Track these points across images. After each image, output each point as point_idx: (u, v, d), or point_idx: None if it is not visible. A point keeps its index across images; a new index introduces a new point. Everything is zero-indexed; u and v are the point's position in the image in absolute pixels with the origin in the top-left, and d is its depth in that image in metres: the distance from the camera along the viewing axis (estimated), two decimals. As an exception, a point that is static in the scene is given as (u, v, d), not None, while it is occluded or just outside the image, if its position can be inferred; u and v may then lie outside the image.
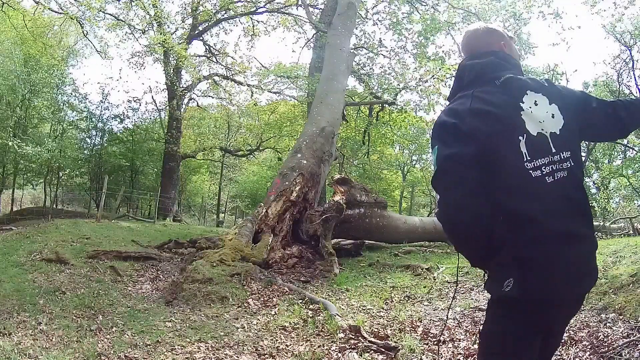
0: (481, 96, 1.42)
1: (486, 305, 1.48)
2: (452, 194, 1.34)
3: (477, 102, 1.40)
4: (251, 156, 22.24)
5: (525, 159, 1.33)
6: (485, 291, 1.48)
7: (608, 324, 3.24)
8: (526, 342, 1.35)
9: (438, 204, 1.39)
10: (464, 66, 1.56)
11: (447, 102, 1.58)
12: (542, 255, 1.27)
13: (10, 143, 13.86)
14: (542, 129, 1.38)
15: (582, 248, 1.34)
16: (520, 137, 1.35)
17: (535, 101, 1.40)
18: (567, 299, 1.35)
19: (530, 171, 1.32)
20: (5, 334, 3.19)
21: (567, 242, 1.29)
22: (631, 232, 10.41)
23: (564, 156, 1.36)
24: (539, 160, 1.33)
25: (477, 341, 1.49)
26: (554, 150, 1.36)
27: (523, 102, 1.40)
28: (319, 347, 3.34)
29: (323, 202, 9.74)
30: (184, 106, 18.58)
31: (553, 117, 1.40)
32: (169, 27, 15.61)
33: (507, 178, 1.33)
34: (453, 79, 1.59)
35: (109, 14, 14.64)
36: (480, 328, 1.50)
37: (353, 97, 14.15)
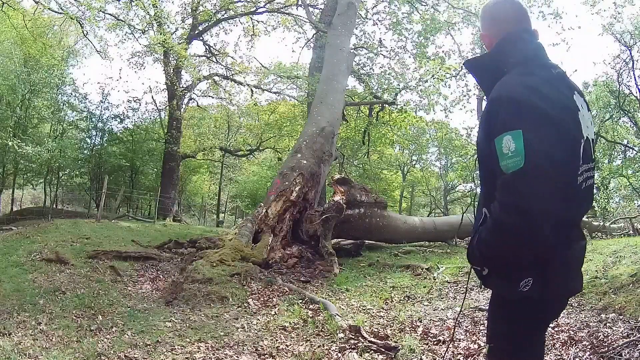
0: (559, 82, 1.33)
1: (490, 305, 1.43)
2: (528, 203, 1.17)
3: (559, 87, 1.31)
4: (251, 156, 22.24)
5: (580, 163, 1.28)
6: (489, 289, 1.42)
7: (608, 324, 3.24)
8: (537, 336, 1.42)
9: (515, 207, 1.15)
10: (530, 35, 1.41)
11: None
12: (559, 255, 1.29)
13: (10, 143, 13.87)
14: (588, 135, 1.33)
15: (581, 245, 1.41)
16: (582, 140, 1.30)
17: (582, 105, 1.35)
18: (571, 294, 1.44)
19: (584, 175, 1.31)
20: (5, 334, 3.19)
21: (575, 241, 1.37)
22: (631, 232, 10.40)
23: (592, 165, 1.36)
24: (583, 166, 1.29)
25: (485, 344, 1.42)
26: (590, 158, 1.34)
27: (576, 103, 1.33)
28: (319, 347, 3.34)
29: (323, 202, 9.74)
30: (184, 106, 18.58)
31: (592, 123, 1.38)
32: (169, 27, 15.62)
33: (573, 182, 1.28)
34: (514, 39, 1.40)
35: (109, 14, 14.64)
36: (487, 330, 1.45)
37: (353, 97, 14.15)
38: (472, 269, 1.46)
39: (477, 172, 1.57)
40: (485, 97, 1.54)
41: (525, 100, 1.19)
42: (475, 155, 1.58)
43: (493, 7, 1.49)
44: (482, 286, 1.49)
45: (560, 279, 1.31)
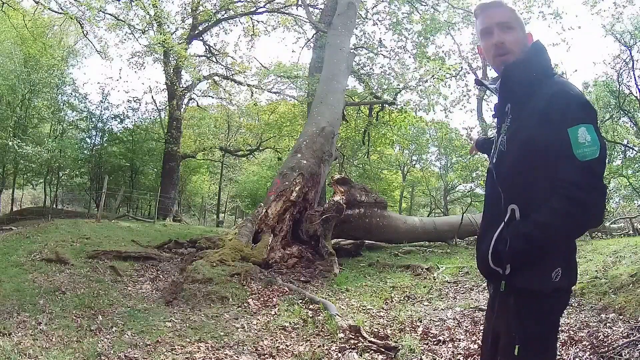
0: None
1: (515, 306, 1.37)
2: (603, 185, 1.32)
3: None
4: (251, 156, 22.22)
5: None
6: (513, 289, 1.37)
7: (608, 324, 3.24)
8: (558, 332, 1.48)
9: (595, 190, 1.27)
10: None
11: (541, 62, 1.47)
12: (575, 244, 1.43)
13: (10, 143, 13.87)
14: None
15: None
16: None
17: None
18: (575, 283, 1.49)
19: None
20: (5, 334, 3.19)
21: None
22: (631, 232, 10.40)
23: None
24: None
25: (518, 350, 1.34)
26: None
27: None
28: (319, 347, 3.34)
29: (323, 202, 9.74)
30: (184, 106, 18.56)
31: None
32: (169, 27, 15.59)
33: None
34: (544, 47, 1.50)
35: (109, 14, 14.62)
36: (512, 334, 1.37)
37: (353, 97, 14.14)
38: (485, 275, 1.47)
39: (497, 172, 1.52)
40: (509, 99, 1.53)
41: (587, 101, 1.35)
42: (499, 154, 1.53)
43: (515, 12, 1.51)
44: (504, 289, 1.38)
45: (576, 268, 1.43)
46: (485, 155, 1.89)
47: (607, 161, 1.32)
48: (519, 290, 1.36)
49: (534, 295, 1.34)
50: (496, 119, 1.59)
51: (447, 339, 3.39)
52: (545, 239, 1.30)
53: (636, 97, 11.46)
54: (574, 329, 3.28)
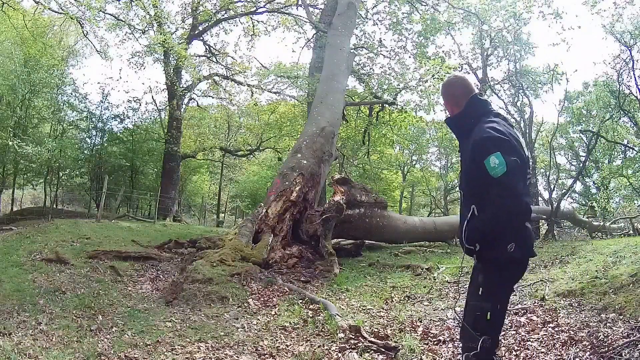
0: (505, 123, 2.14)
1: (482, 269, 2.07)
2: (514, 190, 1.95)
3: (507, 127, 2.11)
4: (251, 156, 22.21)
5: (529, 168, 2.13)
6: (482, 260, 2.07)
7: (608, 324, 3.23)
8: (509, 295, 2.24)
9: (509, 194, 1.94)
10: (481, 96, 2.26)
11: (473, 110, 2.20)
12: (526, 228, 2.06)
13: (10, 143, 13.85)
14: (527, 154, 2.17)
15: (532, 227, 2.19)
16: (525, 156, 2.12)
17: (519, 135, 2.19)
18: (532, 256, 2.11)
19: (529, 176, 2.15)
20: (5, 334, 3.19)
21: (530, 223, 2.12)
22: (631, 232, 10.41)
23: (530, 171, 2.23)
24: (528, 171, 2.11)
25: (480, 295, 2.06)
26: (531, 165, 2.04)
27: (517, 134, 2.16)
28: (319, 347, 3.34)
29: (323, 202, 9.74)
30: (184, 106, 18.55)
31: (527, 146, 2.17)
32: (169, 27, 15.59)
33: (526, 178, 2.08)
34: (476, 100, 2.21)
35: (109, 14, 14.63)
36: (482, 292, 2.04)
37: (353, 97, 14.13)
38: (465, 251, 2.10)
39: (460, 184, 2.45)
40: (460, 138, 2.28)
41: (497, 136, 2.01)
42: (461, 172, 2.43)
43: (451, 87, 2.31)
44: (476, 259, 2.13)
45: (529, 244, 2.07)
46: None
47: (523, 167, 2.07)
48: (486, 260, 2.05)
49: (495, 261, 2.02)
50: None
51: (447, 339, 3.39)
52: (491, 230, 1.98)
53: (636, 97, 11.46)
54: (574, 329, 3.28)
